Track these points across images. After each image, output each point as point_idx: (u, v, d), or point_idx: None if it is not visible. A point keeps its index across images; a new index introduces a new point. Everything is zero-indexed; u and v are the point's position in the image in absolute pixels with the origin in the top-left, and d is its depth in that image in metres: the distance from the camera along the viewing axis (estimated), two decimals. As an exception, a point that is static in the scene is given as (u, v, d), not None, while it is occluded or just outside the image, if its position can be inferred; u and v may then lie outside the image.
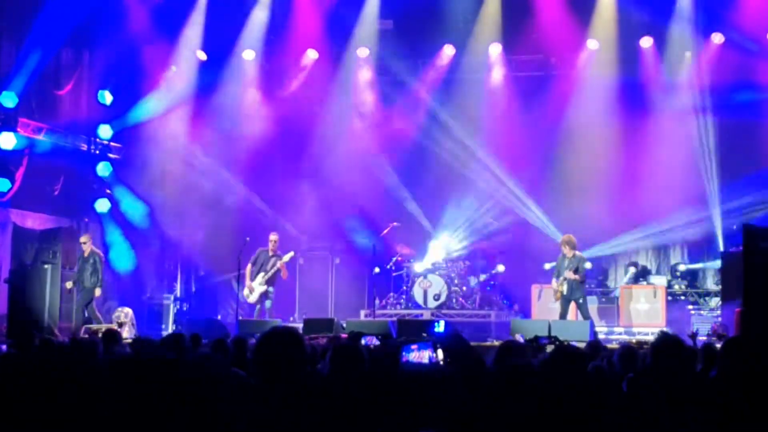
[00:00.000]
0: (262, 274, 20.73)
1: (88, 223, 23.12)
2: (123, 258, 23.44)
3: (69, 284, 20.57)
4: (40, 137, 21.72)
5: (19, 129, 20.81)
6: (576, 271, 19.37)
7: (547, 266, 21.04)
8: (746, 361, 5.87)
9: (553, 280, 19.90)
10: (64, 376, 4.24)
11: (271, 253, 20.80)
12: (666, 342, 6.50)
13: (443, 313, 21.83)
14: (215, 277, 24.33)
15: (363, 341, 13.26)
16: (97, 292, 20.48)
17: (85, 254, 20.56)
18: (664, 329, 18.59)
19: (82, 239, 20.80)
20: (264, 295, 20.81)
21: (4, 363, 4.70)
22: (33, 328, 17.40)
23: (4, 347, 14.52)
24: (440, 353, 4.93)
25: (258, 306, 20.97)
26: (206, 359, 6.13)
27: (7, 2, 21.02)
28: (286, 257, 20.74)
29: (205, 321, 21.29)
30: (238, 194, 24.25)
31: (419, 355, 5.96)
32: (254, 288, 20.77)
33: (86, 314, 20.45)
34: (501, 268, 23.08)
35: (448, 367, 4.79)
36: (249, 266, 20.98)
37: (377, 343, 13.62)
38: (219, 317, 22.42)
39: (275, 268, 20.69)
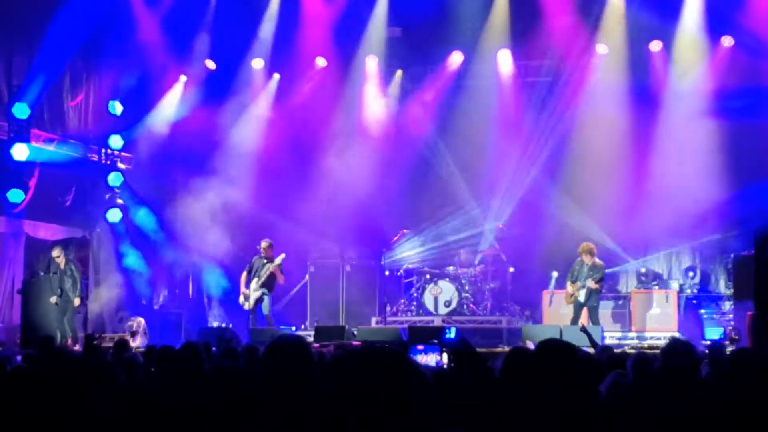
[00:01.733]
0: (255, 279, 20.61)
1: (99, 233, 23.19)
2: (136, 267, 23.53)
3: (54, 299, 19.96)
4: (52, 148, 21.81)
5: (31, 140, 20.89)
6: (597, 281, 19.47)
7: (555, 274, 21.30)
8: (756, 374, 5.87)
9: (568, 284, 19.94)
10: (80, 385, 4.27)
11: (265, 260, 20.73)
12: (675, 347, 6.52)
13: (454, 319, 21.85)
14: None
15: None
16: (77, 302, 20.04)
17: (61, 266, 20.08)
18: (675, 335, 18.59)
19: (54, 253, 20.19)
20: (260, 301, 20.66)
21: (17, 377, 4.74)
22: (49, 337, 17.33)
23: (18, 357, 14.59)
24: (446, 357, 4.92)
25: (252, 315, 20.77)
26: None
27: (18, 15, 21.11)
28: (278, 260, 20.63)
29: (216, 330, 21.34)
30: (249, 202, 24.23)
31: (426, 358, 5.95)
32: (249, 294, 20.63)
33: (66, 326, 20.10)
34: (511, 269, 23.12)
35: (453, 371, 4.79)
36: (244, 274, 20.90)
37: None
38: (231, 326, 22.42)
39: (268, 272, 20.56)
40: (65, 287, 19.97)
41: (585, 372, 6.31)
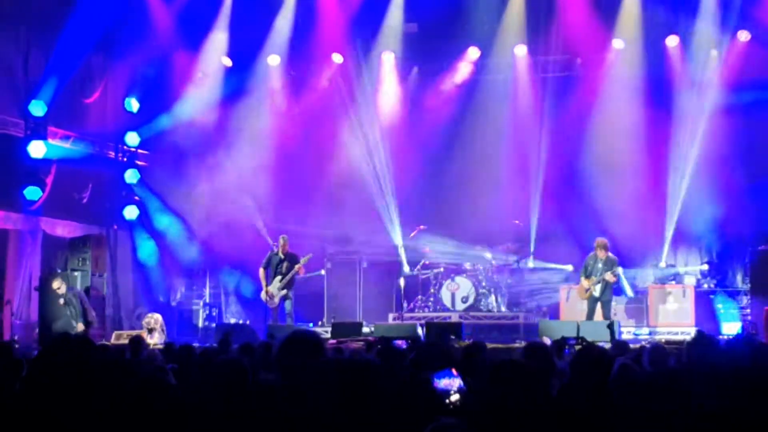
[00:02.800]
0: (278, 277, 20.50)
1: (117, 230, 23.26)
2: (153, 264, 23.63)
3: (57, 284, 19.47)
4: (68, 145, 21.88)
5: (48, 137, 20.96)
6: (615, 273, 19.45)
7: (570, 268, 21.37)
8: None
9: (582, 279, 19.90)
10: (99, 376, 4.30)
11: (282, 256, 20.66)
12: (701, 340, 6.52)
13: (471, 315, 21.84)
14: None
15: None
16: (80, 327, 19.19)
17: (62, 291, 19.46)
18: (700, 329, 18.53)
19: (55, 284, 19.52)
20: (283, 298, 20.60)
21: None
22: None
23: (35, 354, 14.65)
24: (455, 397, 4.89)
25: (275, 312, 20.70)
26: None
27: (35, 12, 21.18)
28: (304, 260, 20.57)
29: (234, 326, 21.38)
30: (266, 198, 24.26)
31: (450, 383, 5.90)
32: (273, 293, 20.54)
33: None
34: (531, 263, 23.06)
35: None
36: (261, 270, 20.82)
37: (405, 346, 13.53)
38: (248, 322, 22.47)
39: (293, 272, 20.50)
40: (68, 314, 19.47)
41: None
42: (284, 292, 20.46)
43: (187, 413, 5.36)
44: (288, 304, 20.53)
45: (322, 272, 23.71)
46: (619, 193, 22.85)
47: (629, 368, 7.04)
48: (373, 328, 19.20)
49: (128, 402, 4.56)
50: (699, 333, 7.07)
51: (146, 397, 4.75)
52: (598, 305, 19.67)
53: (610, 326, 17.31)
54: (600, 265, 19.64)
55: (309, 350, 5.09)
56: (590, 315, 19.61)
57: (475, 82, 24.66)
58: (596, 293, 19.61)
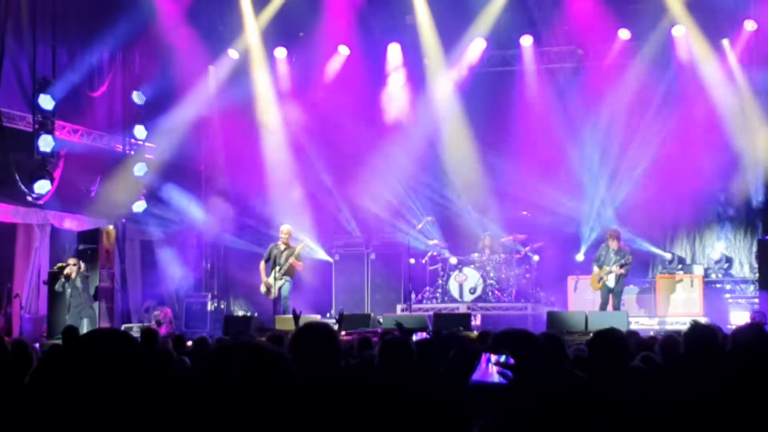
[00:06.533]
0: (277, 268, 20.24)
1: (125, 223, 23.29)
2: (161, 257, 23.66)
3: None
4: (77, 139, 21.93)
5: (56, 131, 21.00)
6: (622, 266, 19.45)
7: (580, 258, 21.30)
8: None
9: (595, 268, 19.92)
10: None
11: (283, 247, 20.41)
12: (697, 331, 6.51)
13: (479, 306, 21.84)
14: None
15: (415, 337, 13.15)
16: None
17: (73, 276, 19.61)
18: (697, 319, 18.51)
19: (71, 261, 19.82)
20: (281, 288, 20.39)
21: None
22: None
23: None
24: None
25: (277, 304, 20.49)
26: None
27: (42, 6, 21.20)
28: (298, 249, 20.39)
29: (243, 318, 21.38)
30: (274, 190, 24.28)
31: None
32: (272, 284, 20.37)
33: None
34: (536, 258, 23.00)
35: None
36: (262, 263, 20.50)
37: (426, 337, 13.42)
38: (257, 314, 22.47)
39: (289, 262, 20.24)
40: (77, 302, 19.63)
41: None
42: (282, 281, 20.24)
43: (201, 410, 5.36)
44: (284, 289, 20.27)
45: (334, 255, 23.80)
46: (627, 183, 22.85)
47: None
48: (381, 320, 19.21)
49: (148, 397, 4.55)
50: (694, 323, 7.06)
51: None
52: (611, 296, 19.71)
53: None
54: (612, 256, 19.67)
55: (322, 341, 5.10)
56: (604, 306, 19.65)
57: (481, 73, 24.62)
58: (610, 283, 19.62)
